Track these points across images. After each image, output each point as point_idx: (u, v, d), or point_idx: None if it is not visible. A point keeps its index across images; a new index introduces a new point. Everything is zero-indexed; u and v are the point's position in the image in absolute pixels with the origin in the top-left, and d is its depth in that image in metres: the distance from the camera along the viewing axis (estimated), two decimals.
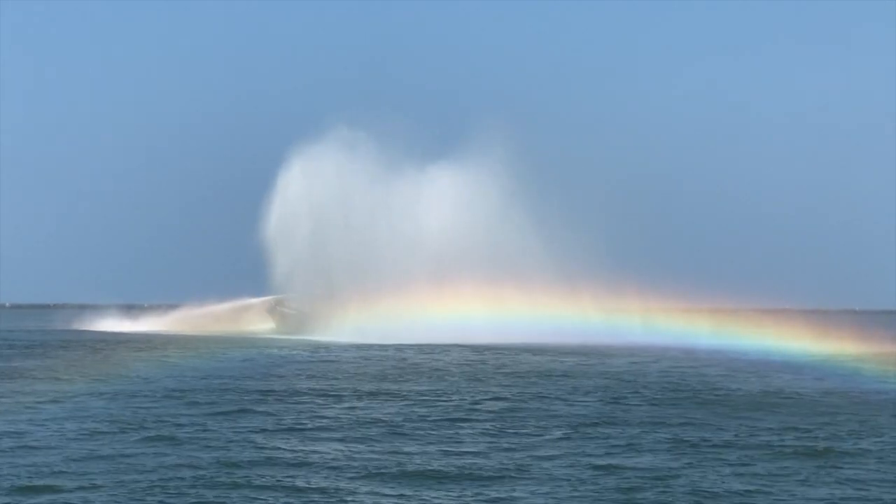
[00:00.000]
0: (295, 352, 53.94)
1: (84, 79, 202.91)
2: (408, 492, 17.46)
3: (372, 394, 32.22)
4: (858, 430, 25.06)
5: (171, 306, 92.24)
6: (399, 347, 57.80)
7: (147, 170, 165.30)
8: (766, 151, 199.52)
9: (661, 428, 25.02)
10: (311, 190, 76.18)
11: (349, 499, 16.87)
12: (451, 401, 30.71)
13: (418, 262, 73.54)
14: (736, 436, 23.96)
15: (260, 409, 27.86)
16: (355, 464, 19.64)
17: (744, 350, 59.72)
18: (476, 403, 30.04)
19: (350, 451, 21.11)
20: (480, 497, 17.22)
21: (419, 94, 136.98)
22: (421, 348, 57.34)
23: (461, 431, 24.26)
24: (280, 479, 18.23)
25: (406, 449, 21.54)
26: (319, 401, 30.23)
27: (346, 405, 29.18)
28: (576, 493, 17.51)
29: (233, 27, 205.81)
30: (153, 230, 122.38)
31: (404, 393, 32.70)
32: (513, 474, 19.03)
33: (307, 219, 75.47)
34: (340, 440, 22.62)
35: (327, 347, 58.03)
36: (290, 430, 24.03)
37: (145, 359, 47.16)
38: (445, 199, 76.50)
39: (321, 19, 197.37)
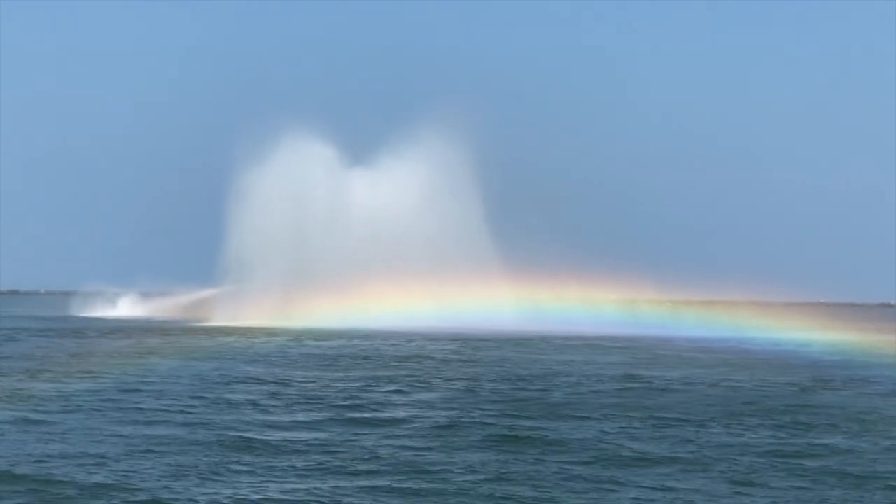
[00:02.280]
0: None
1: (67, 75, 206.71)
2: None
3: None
4: None
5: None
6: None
7: (126, 162, 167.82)
8: (788, 145, 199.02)
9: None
10: (274, 187, 77.11)
11: None
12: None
13: (373, 256, 74.70)
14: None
15: None
16: None
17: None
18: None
19: None
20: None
21: (380, 90, 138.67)
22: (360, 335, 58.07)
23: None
24: None
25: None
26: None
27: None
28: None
29: (198, 25, 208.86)
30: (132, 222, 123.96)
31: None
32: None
33: (269, 215, 76.40)
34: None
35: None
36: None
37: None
38: (397, 194, 77.31)
39: (288, 17, 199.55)
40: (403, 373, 35.23)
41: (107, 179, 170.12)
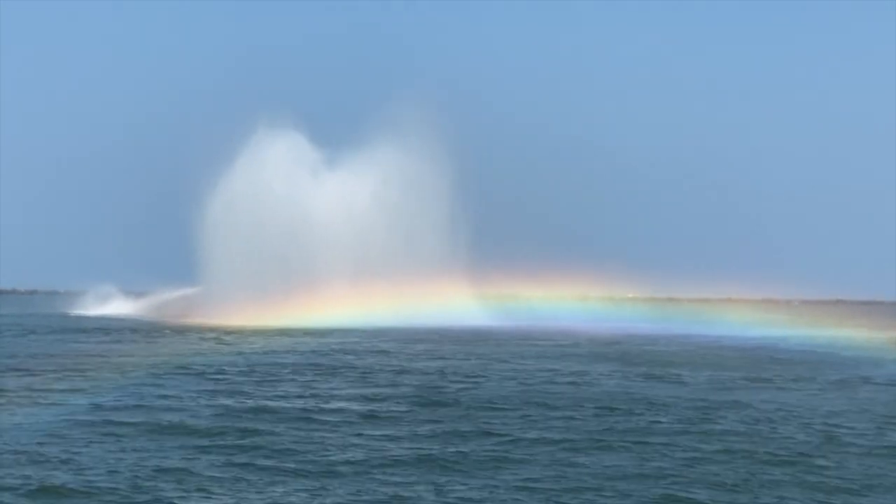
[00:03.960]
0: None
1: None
2: None
3: None
4: None
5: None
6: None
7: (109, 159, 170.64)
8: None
9: None
10: (248, 186, 79.14)
11: None
12: None
13: (337, 255, 77.10)
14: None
15: None
16: None
17: None
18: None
19: None
20: None
21: (349, 87, 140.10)
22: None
23: None
24: None
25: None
26: None
27: None
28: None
29: (178, 25, 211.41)
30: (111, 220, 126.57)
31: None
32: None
33: (233, 215, 78.64)
34: None
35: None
36: None
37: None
38: (363, 193, 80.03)
39: (269, 15, 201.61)
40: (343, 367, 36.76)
41: (85, 180, 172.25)
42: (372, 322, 68.22)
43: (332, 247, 77.90)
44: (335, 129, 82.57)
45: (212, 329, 62.42)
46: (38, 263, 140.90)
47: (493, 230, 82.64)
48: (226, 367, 35.89)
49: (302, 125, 79.97)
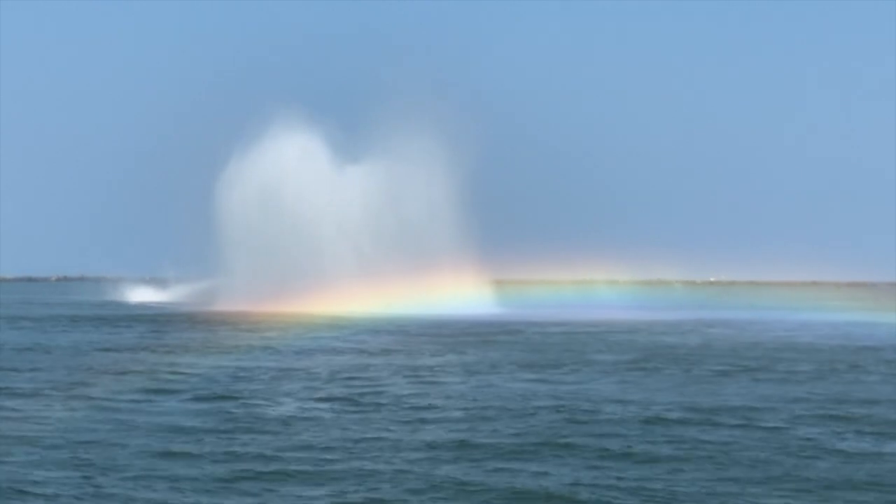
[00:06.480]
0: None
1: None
2: None
3: None
4: None
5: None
6: None
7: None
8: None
9: None
10: (261, 179, 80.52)
11: None
12: None
13: (346, 253, 78.84)
14: None
15: None
16: None
17: None
18: None
19: None
20: None
21: (361, 80, 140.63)
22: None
23: None
24: None
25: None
26: None
27: None
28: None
29: (191, 16, 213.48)
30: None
31: None
32: None
33: (246, 207, 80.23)
34: None
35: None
36: None
37: None
38: (365, 190, 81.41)
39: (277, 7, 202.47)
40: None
41: (106, 172, 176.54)
42: (380, 313, 68.69)
43: (343, 240, 79.61)
44: (345, 121, 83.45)
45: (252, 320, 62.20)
46: (67, 252, 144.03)
47: (510, 216, 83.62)
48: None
49: (313, 119, 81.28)
